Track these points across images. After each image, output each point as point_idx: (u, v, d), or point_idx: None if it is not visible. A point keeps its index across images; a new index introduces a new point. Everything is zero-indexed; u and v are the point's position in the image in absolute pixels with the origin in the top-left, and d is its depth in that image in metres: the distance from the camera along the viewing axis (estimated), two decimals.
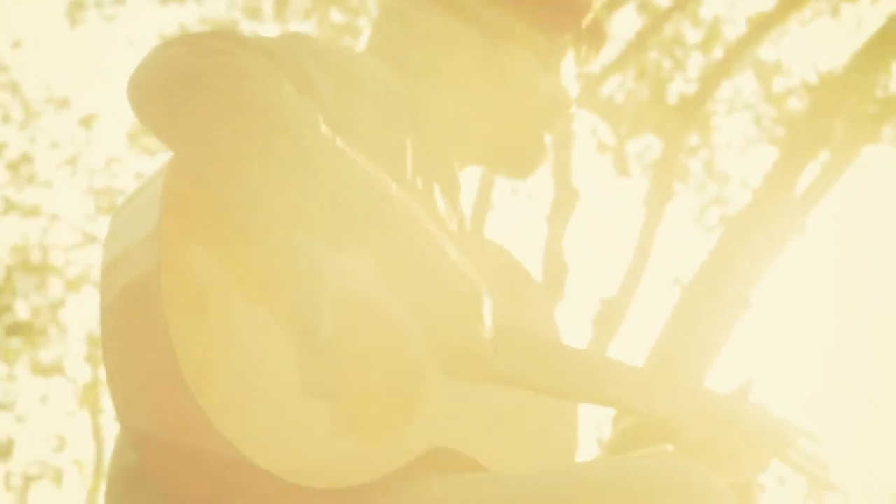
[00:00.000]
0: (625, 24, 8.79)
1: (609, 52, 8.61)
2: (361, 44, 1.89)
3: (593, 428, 7.92)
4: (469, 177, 8.95)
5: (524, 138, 1.82)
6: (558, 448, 1.72)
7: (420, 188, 1.72)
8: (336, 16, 9.02)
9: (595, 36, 1.88)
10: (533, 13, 1.83)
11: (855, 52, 7.42)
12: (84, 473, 10.73)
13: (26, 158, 9.73)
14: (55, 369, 9.53)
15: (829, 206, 8.46)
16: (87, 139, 9.93)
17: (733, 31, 9.04)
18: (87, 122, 9.83)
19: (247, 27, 9.27)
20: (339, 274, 1.53)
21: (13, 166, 9.68)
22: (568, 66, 1.89)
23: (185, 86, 1.41)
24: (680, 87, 8.83)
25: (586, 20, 1.86)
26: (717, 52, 8.60)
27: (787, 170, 7.84)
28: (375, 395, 1.50)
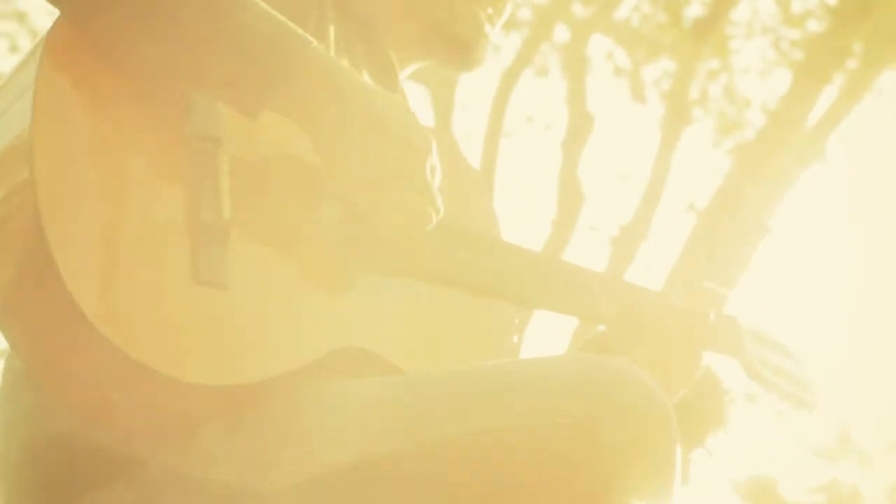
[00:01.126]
0: None
1: None
2: None
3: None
4: (480, 107, 8.84)
5: (455, 20, 1.70)
6: (489, 353, 1.63)
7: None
8: None
9: None
10: None
11: None
12: None
13: None
14: None
15: (849, 130, 8.32)
16: None
17: None
18: None
19: None
20: (248, 150, 1.42)
21: None
22: None
23: None
24: (696, 9, 8.68)
25: None
26: None
27: (804, 93, 7.71)
28: (277, 286, 1.40)
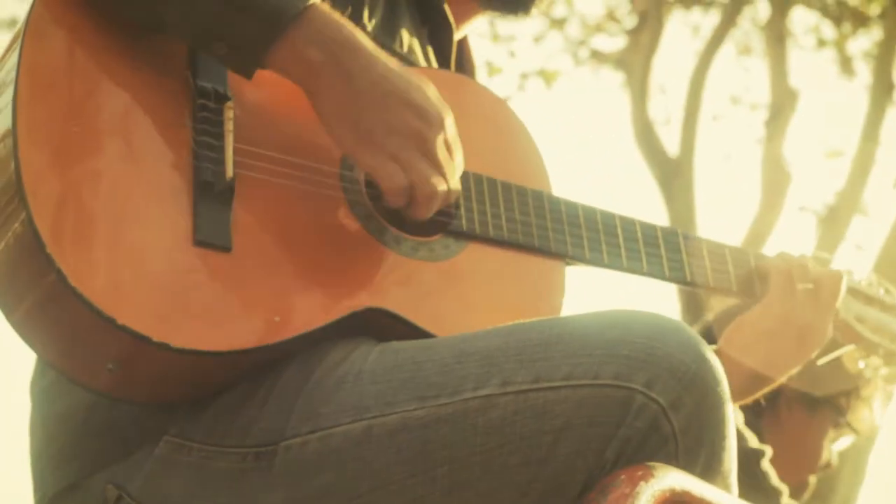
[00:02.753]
0: None
1: None
2: None
3: None
4: (679, 87, 8.63)
5: None
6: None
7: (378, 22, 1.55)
8: None
9: None
10: None
11: None
12: None
13: None
14: None
15: None
16: None
17: None
18: None
19: None
20: (258, 112, 1.36)
21: None
22: None
23: None
24: None
25: None
26: None
27: None
28: (290, 247, 1.33)
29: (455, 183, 1.36)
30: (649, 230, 1.62)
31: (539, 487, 1.23)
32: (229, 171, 1.31)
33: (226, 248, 1.29)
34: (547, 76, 8.51)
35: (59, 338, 1.27)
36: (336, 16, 1.33)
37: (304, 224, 1.36)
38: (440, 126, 1.35)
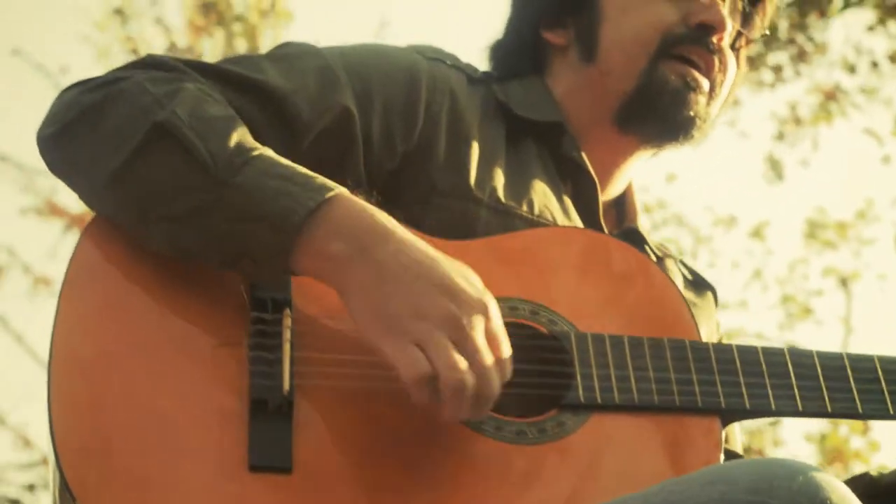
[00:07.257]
0: None
1: None
2: None
3: None
4: None
5: (645, 90, 1.52)
6: None
7: (537, 190, 1.49)
8: None
9: None
10: None
11: None
12: None
13: None
14: None
15: None
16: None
17: None
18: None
19: None
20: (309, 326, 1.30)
21: None
22: None
23: (63, 126, 1.34)
24: None
25: None
26: None
27: None
28: (364, 455, 1.25)
29: (493, 378, 1.20)
30: (833, 361, 1.41)
31: None
32: (285, 385, 1.24)
33: (285, 469, 1.22)
34: None
35: None
36: (359, 203, 1.26)
37: (379, 426, 1.26)
38: (479, 311, 1.22)
